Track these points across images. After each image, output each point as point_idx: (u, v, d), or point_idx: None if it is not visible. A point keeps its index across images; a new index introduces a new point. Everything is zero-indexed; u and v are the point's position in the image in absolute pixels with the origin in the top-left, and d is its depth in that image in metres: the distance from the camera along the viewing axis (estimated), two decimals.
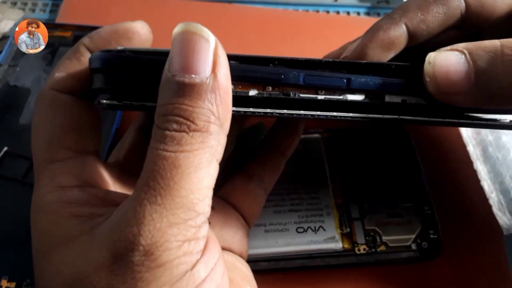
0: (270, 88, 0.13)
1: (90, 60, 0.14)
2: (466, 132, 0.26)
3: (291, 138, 0.21)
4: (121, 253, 0.11)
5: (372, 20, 0.34)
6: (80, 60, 0.15)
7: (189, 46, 0.11)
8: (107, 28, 0.15)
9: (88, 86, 0.14)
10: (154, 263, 0.11)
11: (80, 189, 0.13)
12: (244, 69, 0.13)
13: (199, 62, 0.11)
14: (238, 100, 0.13)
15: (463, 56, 0.13)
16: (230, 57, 0.13)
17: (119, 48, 0.14)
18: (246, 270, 0.18)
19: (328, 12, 0.35)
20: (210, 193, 0.12)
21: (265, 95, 0.13)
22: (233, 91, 0.13)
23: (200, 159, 0.11)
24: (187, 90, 0.11)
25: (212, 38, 0.12)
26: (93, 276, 0.11)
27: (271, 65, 0.13)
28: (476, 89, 0.13)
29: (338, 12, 0.35)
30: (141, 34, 0.15)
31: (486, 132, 0.26)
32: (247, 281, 0.17)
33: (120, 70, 0.13)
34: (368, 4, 0.36)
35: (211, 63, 0.11)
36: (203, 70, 0.11)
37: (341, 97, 0.13)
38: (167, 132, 0.11)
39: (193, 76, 0.11)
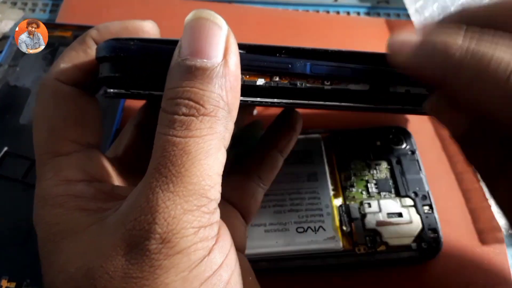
0: (278, 78, 0.13)
1: (98, 48, 0.14)
2: None
3: (289, 136, 0.21)
4: (137, 241, 0.11)
5: (372, 20, 0.34)
6: (86, 52, 0.14)
7: (202, 32, 0.11)
8: (117, 24, 0.15)
9: (93, 79, 0.14)
10: (172, 250, 0.11)
11: (87, 184, 0.13)
12: (252, 58, 0.13)
13: (212, 47, 0.11)
14: (245, 89, 0.13)
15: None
16: (238, 46, 0.13)
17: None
18: (247, 263, 0.18)
19: (328, 12, 0.35)
20: (220, 179, 0.12)
21: (272, 85, 0.13)
22: (241, 80, 0.13)
23: (209, 145, 0.11)
24: (198, 73, 0.11)
25: (225, 25, 0.12)
26: (108, 266, 0.11)
27: (277, 54, 0.13)
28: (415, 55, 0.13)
29: (338, 12, 0.35)
30: (150, 34, 0.15)
31: None
32: (249, 273, 0.18)
33: (129, 58, 0.13)
34: (368, 4, 0.36)
35: (223, 49, 0.11)
36: (215, 55, 0.11)
37: (347, 87, 0.14)
38: (176, 117, 0.11)
39: (204, 60, 0.11)
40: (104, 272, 0.11)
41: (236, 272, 0.13)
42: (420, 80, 0.13)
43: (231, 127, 0.12)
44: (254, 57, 0.13)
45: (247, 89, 0.13)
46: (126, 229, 0.11)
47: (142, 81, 0.13)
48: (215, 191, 0.12)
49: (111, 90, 0.13)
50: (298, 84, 0.13)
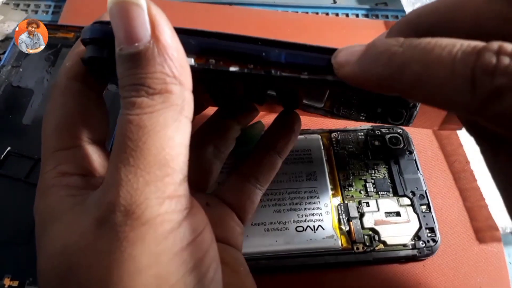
0: (252, 65, 0.13)
1: (82, 32, 0.14)
2: (463, 132, 0.27)
3: (287, 138, 0.21)
4: (104, 216, 0.11)
5: (371, 22, 0.35)
6: None
7: (123, 17, 0.11)
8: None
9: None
10: (136, 221, 0.11)
11: (81, 177, 0.14)
12: (224, 44, 0.13)
13: (136, 29, 0.11)
14: (218, 74, 0.13)
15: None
16: (211, 34, 0.13)
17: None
18: (240, 256, 0.18)
19: (327, 14, 0.35)
20: (184, 150, 0.12)
21: (246, 71, 0.13)
22: (213, 66, 0.13)
23: (165, 118, 0.11)
24: (135, 59, 0.11)
25: (142, 1, 0.11)
26: (81, 242, 0.11)
27: (252, 43, 0.13)
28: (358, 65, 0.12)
29: (337, 14, 0.35)
30: None
31: None
32: (241, 264, 0.18)
33: (106, 40, 0.13)
34: (366, 6, 0.36)
35: (148, 26, 0.11)
36: (144, 35, 0.11)
37: (325, 77, 0.13)
38: (128, 99, 0.11)
39: (136, 44, 0.11)
40: (77, 248, 0.11)
41: (211, 252, 0.13)
42: (371, 90, 0.13)
43: (188, 96, 0.12)
44: (228, 44, 0.13)
45: (220, 74, 0.13)
46: (96, 206, 0.11)
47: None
48: (179, 161, 0.12)
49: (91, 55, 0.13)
50: (273, 72, 0.13)
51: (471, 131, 0.14)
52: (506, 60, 0.09)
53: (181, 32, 0.12)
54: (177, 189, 0.12)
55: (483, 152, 0.13)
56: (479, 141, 0.13)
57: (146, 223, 0.11)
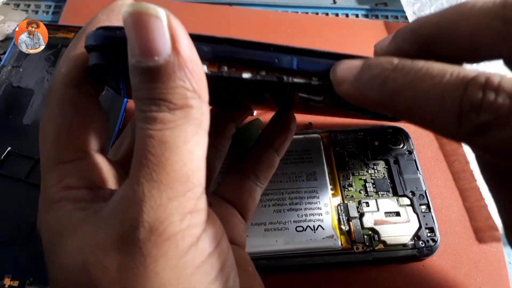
0: (264, 72, 0.13)
1: (86, 38, 0.14)
2: None
3: (284, 136, 0.21)
4: (127, 232, 0.11)
5: (371, 22, 0.35)
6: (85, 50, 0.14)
7: (142, 29, 0.11)
8: (103, 12, 0.15)
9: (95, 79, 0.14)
10: (160, 238, 0.11)
11: (88, 190, 0.14)
12: (237, 52, 0.13)
13: (157, 43, 0.11)
14: (231, 81, 0.13)
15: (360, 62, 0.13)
16: (222, 40, 0.13)
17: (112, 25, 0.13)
18: (247, 256, 0.18)
19: (327, 14, 0.35)
20: (203, 164, 0.12)
21: (258, 78, 0.13)
22: (226, 73, 0.13)
23: (186, 132, 0.11)
24: (155, 73, 0.11)
25: (162, 14, 0.11)
26: (103, 258, 0.11)
27: (264, 50, 0.13)
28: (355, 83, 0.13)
29: (337, 14, 0.35)
30: None
31: None
32: (249, 264, 0.18)
33: (114, 45, 0.12)
34: (366, 7, 0.36)
35: (169, 39, 0.11)
36: (163, 49, 0.11)
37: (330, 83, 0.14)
38: (149, 114, 0.11)
39: (156, 58, 0.11)
40: (99, 264, 0.11)
41: (229, 261, 0.13)
42: (368, 107, 0.13)
43: (206, 109, 0.12)
44: (241, 51, 0.13)
45: (232, 80, 0.13)
46: (119, 221, 0.11)
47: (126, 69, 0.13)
48: (199, 176, 0.12)
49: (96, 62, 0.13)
50: (285, 78, 0.13)
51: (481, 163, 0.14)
52: (491, 95, 0.10)
53: (193, 39, 0.12)
54: (197, 203, 0.12)
55: (480, 167, 0.14)
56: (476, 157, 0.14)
57: (168, 239, 0.11)
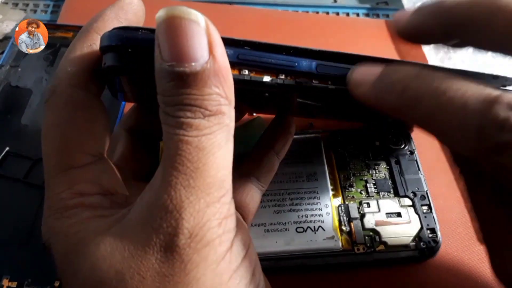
0: (283, 75, 0.13)
1: (103, 38, 0.13)
2: None
3: (285, 139, 0.21)
4: (166, 239, 0.11)
5: (371, 21, 0.34)
6: (93, 48, 0.14)
7: (181, 33, 0.11)
8: (112, 10, 0.14)
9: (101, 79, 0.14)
10: (200, 244, 0.11)
11: (102, 196, 0.13)
12: (261, 55, 0.13)
13: (195, 48, 0.11)
14: (252, 85, 0.13)
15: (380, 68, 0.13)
16: (243, 43, 0.13)
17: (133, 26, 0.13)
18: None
19: (327, 13, 0.35)
20: (231, 168, 0.12)
21: (278, 82, 0.13)
22: (247, 76, 0.13)
23: (220, 138, 0.11)
24: (191, 80, 0.11)
25: (201, 19, 0.11)
26: (138, 266, 0.11)
27: (284, 53, 0.13)
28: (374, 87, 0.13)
29: (337, 13, 0.35)
30: (136, 9, 0.15)
31: None
32: (258, 263, 0.18)
33: (136, 47, 0.12)
34: (367, 5, 0.36)
35: (207, 45, 0.11)
36: (201, 55, 0.11)
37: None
38: (183, 120, 0.11)
39: (192, 64, 0.11)
40: (134, 273, 0.11)
41: (258, 263, 0.13)
42: (382, 112, 0.13)
43: (233, 114, 0.12)
44: (261, 54, 0.13)
45: (253, 85, 0.13)
46: (153, 228, 0.11)
47: (147, 72, 0.12)
48: (229, 181, 0.12)
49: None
50: (303, 82, 0.13)
51: (458, 163, 0.14)
52: None
53: None
54: (230, 208, 0.12)
55: (466, 183, 0.14)
56: (463, 174, 0.14)
57: (208, 245, 0.11)
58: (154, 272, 0.11)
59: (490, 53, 0.13)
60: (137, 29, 0.12)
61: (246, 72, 0.13)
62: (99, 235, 0.12)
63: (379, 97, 0.12)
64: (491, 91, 0.10)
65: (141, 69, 0.12)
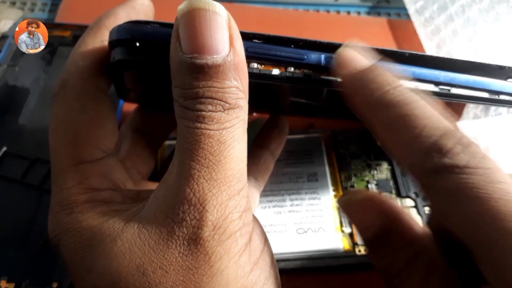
0: (292, 68, 0.13)
1: (113, 32, 0.13)
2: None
3: (280, 139, 0.21)
4: (190, 232, 0.11)
5: (373, 20, 0.34)
6: (103, 44, 0.14)
7: (204, 25, 0.11)
8: (123, 8, 0.14)
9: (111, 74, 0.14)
10: (223, 235, 0.11)
11: (113, 191, 0.13)
12: (271, 48, 0.13)
13: (218, 40, 0.11)
14: (260, 77, 0.13)
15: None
16: (255, 36, 0.13)
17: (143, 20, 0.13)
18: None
19: (328, 11, 0.35)
20: (246, 161, 0.12)
21: (287, 75, 0.13)
22: (256, 70, 0.13)
23: (238, 132, 0.12)
24: (212, 72, 0.11)
25: (224, 11, 0.11)
26: (161, 260, 0.11)
27: (292, 46, 0.13)
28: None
29: (338, 12, 0.35)
30: (145, 7, 0.15)
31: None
32: (273, 257, 0.18)
33: (146, 41, 0.12)
34: (368, 4, 0.36)
35: (228, 38, 0.11)
36: (223, 47, 0.11)
37: None
38: (204, 113, 0.11)
39: (214, 56, 0.11)
40: (157, 267, 0.11)
41: (273, 256, 0.13)
42: (352, 104, 0.13)
43: (247, 108, 0.12)
44: (271, 47, 0.13)
45: (262, 77, 0.13)
46: (175, 222, 0.11)
47: (158, 66, 0.12)
48: (246, 174, 0.12)
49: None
50: (312, 76, 0.13)
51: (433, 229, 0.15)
52: (458, 148, 0.11)
53: None
54: (248, 201, 0.12)
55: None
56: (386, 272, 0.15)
57: (230, 237, 0.11)
58: (178, 266, 0.11)
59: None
60: (146, 22, 0.12)
61: (255, 65, 0.13)
62: (114, 231, 0.12)
63: (355, 87, 0.13)
64: (449, 126, 0.12)
65: (150, 63, 0.12)
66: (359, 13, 0.35)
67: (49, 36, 0.28)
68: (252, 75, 0.13)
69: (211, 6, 0.11)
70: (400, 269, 0.14)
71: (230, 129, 0.11)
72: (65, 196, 0.13)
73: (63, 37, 0.28)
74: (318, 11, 0.35)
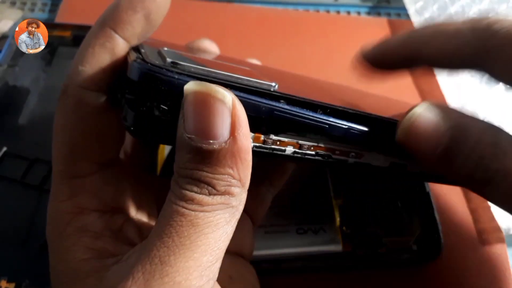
0: (306, 147, 0.13)
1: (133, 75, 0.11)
2: None
3: (281, 179, 0.20)
4: None
5: (373, 20, 0.34)
6: (111, 50, 0.12)
7: (205, 110, 0.11)
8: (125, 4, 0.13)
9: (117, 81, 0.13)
10: None
11: (99, 216, 0.13)
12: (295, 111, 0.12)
13: (217, 126, 0.11)
14: (272, 155, 0.13)
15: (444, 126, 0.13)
16: (272, 97, 0.12)
17: (168, 59, 0.12)
18: (252, 279, 0.18)
19: (328, 11, 0.35)
20: (222, 255, 0.12)
21: (299, 156, 0.13)
22: (269, 149, 0.12)
23: (219, 219, 0.11)
24: (205, 156, 0.11)
25: (228, 98, 0.11)
26: None
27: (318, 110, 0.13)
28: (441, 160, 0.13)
29: (338, 12, 0.35)
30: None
31: None
32: (256, 280, 0.17)
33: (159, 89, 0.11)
34: (368, 4, 0.36)
35: (229, 125, 0.11)
36: (221, 134, 0.11)
37: (369, 162, 0.14)
38: (187, 192, 0.11)
39: (211, 141, 0.11)
40: None
41: None
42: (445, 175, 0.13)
43: (244, 198, 0.12)
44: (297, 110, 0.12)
45: (274, 155, 0.13)
46: None
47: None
48: (215, 269, 0.11)
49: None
50: (325, 157, 0.13)
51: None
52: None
53: (247, 92, 0.11)
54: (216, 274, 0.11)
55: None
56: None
57: None
58: None
59: None
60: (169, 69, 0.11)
61: (270, 142, 0.12)
62: (76, 281, 0.12)
63: (450, 165, 0.13)
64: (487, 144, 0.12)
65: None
66: (359, 13, 0.35)
67: (49, 36, 0.28)
68: (263, 154, 0.12)
69: (214, 92, 0.11)
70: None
71: (208, 214, 0.11)
72: (55, 208, 0.13)
73: (63, 37, 0.28)
74: (318, 11, 0.35)
